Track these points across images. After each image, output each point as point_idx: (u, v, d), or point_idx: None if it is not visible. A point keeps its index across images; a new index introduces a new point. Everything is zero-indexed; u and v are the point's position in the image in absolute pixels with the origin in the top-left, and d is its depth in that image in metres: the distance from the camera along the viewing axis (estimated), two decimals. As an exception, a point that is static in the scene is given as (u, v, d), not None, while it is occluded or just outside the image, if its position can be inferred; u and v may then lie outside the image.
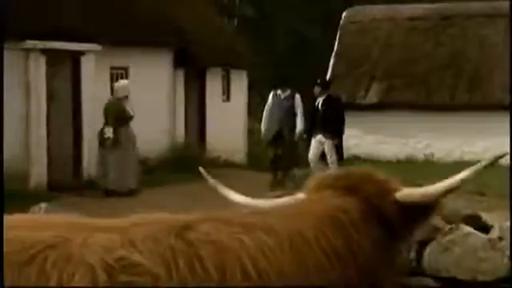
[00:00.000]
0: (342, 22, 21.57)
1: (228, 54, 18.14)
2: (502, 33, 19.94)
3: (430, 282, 4.30)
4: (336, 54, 21.21)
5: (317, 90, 12.81)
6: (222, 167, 15.20)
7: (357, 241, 3.07)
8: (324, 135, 12.43)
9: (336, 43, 21.32)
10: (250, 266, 2.79)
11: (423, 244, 4.35)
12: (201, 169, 3.61)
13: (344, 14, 21.73)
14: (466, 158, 16.41)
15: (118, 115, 11.89)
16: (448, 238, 4.31)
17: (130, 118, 12.11)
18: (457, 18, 20.64)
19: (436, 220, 4.43)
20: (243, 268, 2.77)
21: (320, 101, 12.67)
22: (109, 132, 11.84)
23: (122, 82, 12.53)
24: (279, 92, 13.13)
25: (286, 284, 2.85)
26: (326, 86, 13.19)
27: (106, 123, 11.89)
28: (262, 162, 17.39)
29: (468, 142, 18.24)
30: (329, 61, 21.25)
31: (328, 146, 12.44)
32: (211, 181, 3.50)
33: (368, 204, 3.15)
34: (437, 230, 4.36)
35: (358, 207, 3.14)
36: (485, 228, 4.51)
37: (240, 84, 19.35)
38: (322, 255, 2.96)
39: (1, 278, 2.53)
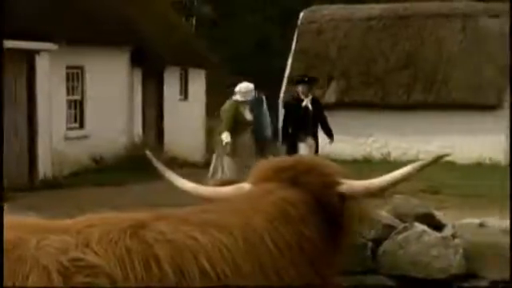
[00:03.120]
0: (299, 21, 21.67)
1: (186, 53, 18.11)
2: (458, 33, 20.22)
3: (384, 280, 4.35)
4: (294, 53, 21.29)
5: (304, 89, 11.68)
6: (180, 167, 15.16)
7: (306, 236, 3.11)
8: (314, 138, 11.62)
9: (294, 43, 21.40)
10: (207, 264, 2.80)
11: (378, 242, 4.39)
12: (149, 155, 3.60)
13: (302, 14, 21.81)
14: (422, 156, 16.59)
15: (233, 121, 10.72)
16: (402, 236, 4.36)
17: (249, 123, 11.01)
18: (413, 18, 20.87)
19: (390, 218, 4.49)
20: (201, 267, 2.78)
21: (307, 101, 11.67)
22: (226, 137, 10.55)
23: (246, 85, 11.15)
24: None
25: (243, 281, 2.87)
26: (312, 84, 12.14)
27: (224, 128, 10.71)
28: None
29: (423, 140, 18.46)
30: (287, 60, 21.32)
31: (314, 148, 11.61)
32: (159, 167, 3.50)
33: (313, 196, 3.18)
34: (391, 228, 4.42)
35: (304, 200, 3.17)
36: (439, 226, 4.57)
37: (198, 83, 19.32)
38: (275, 251, 3.00)
39: (1, 277, 2.52)
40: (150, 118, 17.09)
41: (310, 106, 11.55)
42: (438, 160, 3.29)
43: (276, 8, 28.71)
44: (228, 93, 14.77)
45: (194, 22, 27.90)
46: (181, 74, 18.49)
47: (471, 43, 19.99)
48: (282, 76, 21.13)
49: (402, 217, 4.55)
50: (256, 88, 12.46)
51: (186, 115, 18.23)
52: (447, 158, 16.55)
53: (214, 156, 10.88)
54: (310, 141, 11.52)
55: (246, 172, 3.36)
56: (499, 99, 19.25)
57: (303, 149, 11.43)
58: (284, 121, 11.86)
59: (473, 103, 19.06)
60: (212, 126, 21.03)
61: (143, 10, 17.00)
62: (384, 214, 4.54)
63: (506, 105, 19.39)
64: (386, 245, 4.37)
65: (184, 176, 3.57)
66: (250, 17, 28.40)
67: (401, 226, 4.42)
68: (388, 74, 19.63)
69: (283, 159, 3.54)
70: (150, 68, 16.67)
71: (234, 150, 10.51)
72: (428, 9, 21.00)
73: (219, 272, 2.83)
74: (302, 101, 11.60)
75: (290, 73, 20.85)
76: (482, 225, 4.53)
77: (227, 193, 3.37)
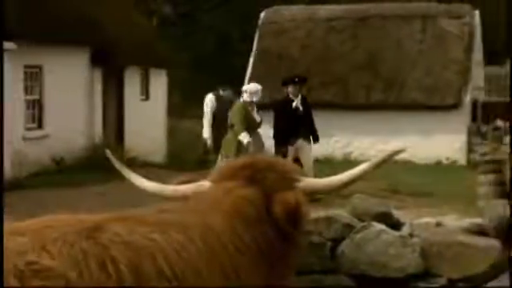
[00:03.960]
0: (260, 22, 21.71)
1: (147, 53, 18.03)
2: (418, 34, 20.44)
3: (343, 279, 4.38)
4: (255, 53, 21.32)
5: (294, 89, 11.30)
6: (141, 167, 15.08)
7: (264, 235, 3.12)
8: (305, 139, 11.20)
9: (255, 43, 21.44)
10: (164, 265, 2.80)
11: (337, 242, 4.42)
12: (109, 155, 3.58)
13: (262, 15, 21.86)
14: (381, 156, 16.75)
15: (245, 121, 10.46)
16: (361, 235, 4.39)
17: (258, 125, 10.69)
18: (373, 19, 21.02)
19: (349, 218, 4.52)
20: (158, 268, 2.78)
21: (298, 102, 11.25)
22: (245, 137, 10.21)
23: (254, 85, 10.92)
24: (222, 93, 11.74)
25: (201, 281, 2.87)
26: (303, 83, 11.66)
27: (241, 128, 10.37)
28: (182, 162, 17.34)
29: (383, 140, 18.60)
30: (249, 60, 21.35)
31: (307, 150, 11.24)
32: (119, 167, 3.49)
33: (271, 194, 3.19)
34: (350, 227, 4.45)
35: (262, 198, 3.17)
36: (397, 225, 4.61)
37: (159, 83, 19.25)
38: (233, 250, 3.00)
39: (0, 277, 2.51)
40: (110, 118, 16.97)
41: (300, 106, 11.21)
42: (391, 157, 3.32)
43: (237, 8, 28.73)
44: (189, 93, 14.77)
45: (155, 21, 27.77)
46: (142, 74, 18.40)
47: (431, 44, 20.21)
48: (244, 76, 21.15)
49: (360, 216, 4.58)
50: (222, 87, 12.29)
51: (147, 115, 18.15)
52: (407, 158, 16.77)
53: (220, 157, 10.58)
54: (300, 143, 11.13)
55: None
56: (458, 99, 19.49)
57: (292, 153, 11.03)
58: (275, 122, 11.26)
59: (432, 103, 19.27)
60: (174, 125, 21.01)
61: (104, 9, 16.88)
62: (343, 214, 4.57)
63: (465, 105, 19.65)
64: (345, 244, 4.40)
65: (145, 176, 3.56)
66: (210, 16, 28.37)
67: (359, 225, 4.45)
68: (349, 75, 19.74)
69: (243, 158, 3.55)
70: (110, 68, 16.55)
71: (242, 152, 10.19)
72: (389, 10, 21.18)
73: (177, 272, 2.83)
74: (292, 101, 11.23)
75: (252, 73, 20.89)
76: (439, 224, 4.59)
77: (187, 191, 3.37)
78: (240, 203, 3.13)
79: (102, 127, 16.35)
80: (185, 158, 18.00)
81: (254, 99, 10.59)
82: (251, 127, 10.48)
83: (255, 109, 10.63)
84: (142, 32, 18.81)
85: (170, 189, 3.44)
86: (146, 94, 18.45)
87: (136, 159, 16.16)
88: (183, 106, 22.95)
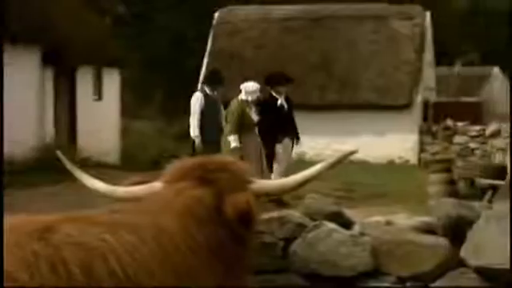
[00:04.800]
0: (214, 22, 21.69)
1: (100, 52, 17.88)
2: (370, 34, 20.64)
3: (295, 278, 4.41)
4: (209, 53, 21.29)
5: (280, 88, 11.19)
6: (94, 167, 14.95)
7: (217, 235, 3.14)
8: (290, 138, 11.20)
9: (209, 43, 21.41)
10: (116, 266, 2.79)
11: (289, 241, 4.45)
12: (60, 155, 3.56)
13: (217, 15, 21.84)
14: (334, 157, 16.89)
15: (241, 121, 10.26)
16: (312, 234, 4.43)
17: (255, 124, 10.53)
18: (326, 19, 21.18)
19: (301, 217, 4.56)
20: (110, 269, 2.78)
21: (282, 100, 11.21)
22: (234, 141, 10.10)
23: (251, 84, 10.68)
24: (209, 91, 11.16)
25: (154, 282, 2.88)
26: (289, 83, 11.51)
27: (232, 130, 10.24)
28: (135, 162, 17.25)
29: (338, 140, 18.76)
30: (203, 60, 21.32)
31: (289, 149, 11.22)
32: (70, 167, 3.47)
33: (222, 195, 3.21)
34: (302, 227, 4.48)
35: (214, 199, 3.20)
36: (348, 225, 4.66)
37: (112, 83, 19.11)
38: (186, 251, 3.01)
39: (1, 278, 2.50)
40: (62, 119, 16.80)
41: (285, 105, 11.18)
42: (344, 158, 3.37)
43: (191, 8, 28.66)
44: (143, 93, 14.66)
45: (108, 21, 27.55)
46: (94, 74, 18.25)
47: (383, 45, 20.44)
48: (198, 76, 21.11)
49: (312, 216, 4.62)
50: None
51: (99, 115, 18.00)
52: (360, 158, 16.94)
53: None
54: (287, 141, 11.13)
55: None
56: (410, 99, 19.75)
57: (281, 151, 11.03)
58: (261, 121, 11.00)
59: (384, 104, 19.50)
60: (127, 126, 20.88)
61: (56, 7, 16.70)
62: (295, 213, 4.61)
63: (416, 105, 19.92)
64: (297, 243, 4.43)
65: (97, 177, 3.55)
66: (164, 16, 28.25)
67: (311, 224, 4.49)
68: (303, 75, 19.87)
69: (195, 158, 3.56)
70: (62, 67, 16.39)
71: (240, 152, 10.04)
72: (341, 10, 21.36)
73: (129, 273, 2.83)
74: (277, 100, 11.15)
75: (206, 73, 20.84)
76: (389, 223, 4.65)
77: (139, 192, 3.37)
78: (192, 204, 3.15)
79: (53, 127, 16.17)
80: (138, 158, 17.91)
81: (250, 98, 10.42)
82: (247, 127, 10.34)
83: (253, 108, 10.48)
84: (94, 31, 18.64)
85: (121, 190, 3.44)
86: (98, 93, 18.30)
87: (89, 160, 16.04)
88: (136, 106, 22.80)
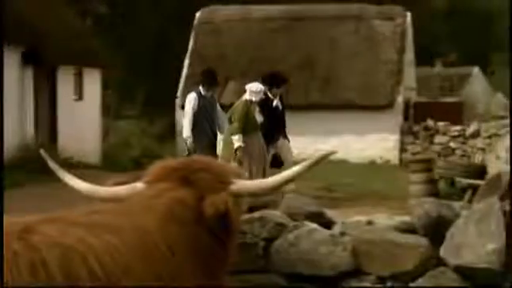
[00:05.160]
0: (195, 22, 21.67)
1: (81, 52, 17.81)
2: (351, 35, 20.69)
3: (276, 278, 4.42)
4: (191, 53, 21.28)
5: (277, 89, 11.10)
6: (75, 168, 14.89)
7: (198, 236, 3.15)
8: (284, 137, 11.19)
9: (190, 43, 21.39)
10: (96, 266, 2.79)
11: (270, 241, 4.46)
12: (43, 155, 3.55)
13: (198, 15, 21.82)
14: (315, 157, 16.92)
15: (247, 120, 10.11)
16: (293, 234, 4.44)
17: (259, 125, 10.41)
18: (308, 19, 21.22)
19: (282, 217, 4.57)
20: (90, 269, 2.77)
21: (277, 101, 11.15)
22: (238, 140, 9.90)
23: (256, 84, 10.52)
24: (204, 91, 10.89)
25: (134, 282, 2.88)
26: (284, 83, 11.42)
27: (236, 130, 10.06)
28: (117, 162, 17.19)
29: (320, 140, 18.81)
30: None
31: (288, 148, 11.19)
32: (54, 167, 3.47)
33: (203, 196, 3.23)
34: (283, 227, 4.49)
35: (195, 199, 3.21)
36: (329, 224, 4.68)
37: (94, 83, 19.04)
38: (167, 252, 3.02)
39: (1, 277, 2.52)
40: (43, 119, 16.72)
41: (280, 105, 11.13)
42: (324, 159, 3.39)
43: (173, 8, 28.61)
44: (125, 93, 14.59)
45: (89, 20, 27.45)
46: (75, 74, 18.17)
47: (364, 45, 20.51)
48: (180, 76, 21.10)
49: (293, 216, 4.63)
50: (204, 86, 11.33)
51: (81, 115, 17.93)
52: (342, 157, 16.98)
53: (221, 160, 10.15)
54: (281, 141, 11.10)
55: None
56: (391, 99, 19.83)
57: (272, 151, 10.96)
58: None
59: (366, 104, 19.56)
60: (109, 126, 20.80)
61: (36, 7, 16.61)
62: (276, 213, 4.62)
63: (397, 105, 20.00)
64: (278, 243, 4.44)
65: (79, 177, 3.54)
66: (147, 16, 28.18)
67: (292, 224, 4.51)
68: (285, 75, 19.89)
69: (177, 159, 3.57)
70: (42, 67, 16.31)
71: (243, 153, 9.99)
72: (323, 11, 21.41)
73: (109, 274, 2.83)
74: (272, 101, 11.05)
75: (187, 73, 20.83)
76: (370, 222, 4.67)
77: (120, 193, 3.38)
78: (172, 205, 3.16)
79: (34, 127, 16.10)
80: (119, 158, 17.86)
81: (255, 99, 10.31)
82: (252, 127, 10.21)
83: (257, 108, 10.40)
84: (75, 31, 18.56)
85: (104, 190, 3.45)
86: (79, 93, 18.22)
87: (70, 160, 15.98)
88: (118, 106, 22.73)
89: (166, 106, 21.71)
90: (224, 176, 3.34)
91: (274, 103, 11.06)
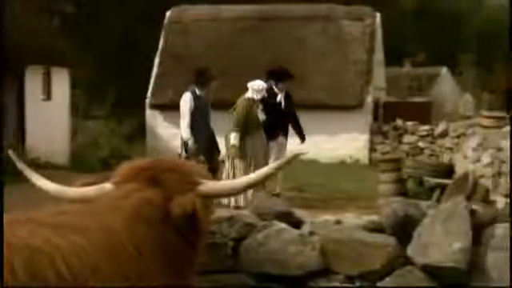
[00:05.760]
0: (165, 21, 21.61)
1: (48, 52, 17.66)
2: (320, 35, 20.76)
3: (244, 278, 4.42)
4: (161, 53, 21.20)
5: (282, 84, 10.99)
6: (43, 168, 14.77)
7: (165, 236, 3.15)
8: (285, 136, 11.04)
9: (160, 43, 21.32)
10: (63, 268, 2.77)
11: (239, 241, 4.46)
12: (11, 155, 3.53)
13: (168, 14, 21.76)
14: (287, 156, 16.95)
15: (249, 119, 10.01)
16: (262, 234, 4.44)
17: (261, 123, 10.24)
18: (277, 19, 21.25)
19: (251, 217, 4.58)
20: (56, 271, 2.75)
21: (281, 97, 11.02)
22: (234, 138, 9.81)
23: (258, 82, 10.38)
24: (198, 90, 10.66)
25: (102, 283, 2.87)
26: (290, 78, 11.13)
27: (235, 128, 9.96)
28: (86, 163, 17.08)
29: (289, 141, 18.83)
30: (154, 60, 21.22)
31: (283, 147, 11.03)
32: (21, 167, 3.44)
33: (171, 197, 3.23)
34: (252, 226, 4.50)
35: (162, 200, 3.21)
36: (298, 224, 4.69)
37: (62, 83, 18.88)
38: (134, 252, 3.01)
39: (1, 278, 2.50)
40: (10, 119, 16.55)
41: (283, 102, 10.92)
42: (293, 160, 3.40)
43: (143, 7, 28.49)
44: (93, 93, 14.48)
45: (57, 20, 27.23)
46: (43, 73, 18.01)
47: (333, 45, 20.59)
48: (149, 75, 21.02)
49: (262, 215, 4.64)
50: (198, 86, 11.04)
51: (49, 115, 17.78)
52: (312, 157, 17.03)
53: (226, 158, 10.20)
54: (281, 139, 10.93)
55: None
56: (360, 99, 19.92)
57: (275, 148, 10.85)
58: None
59: (335, 104, 19.63)
60: (78, 126, 20.65)
61: (3, 7, 16.44)
62: (245, 213, 4.62)
63: (367, 105, 20.10)
64: (247, 243, 4.44)
65: (47, 177, 3.52)
66: (114, 16, 28.02)
67: (260, 224, 4.51)
68: (254, 75, 19.88)
69: (145, 159, 3.56)
70: (9, 67, 16.14)
71: (245, 152, 9.88)
72: (292, 11, 21.46)
73: (76, 274, 2.81)
74: (276, 95, 10.93)
75: (157, 72, 20.77)
76: (338, 222, 4.69)
77: (88, 193, 3.37)
78: (140, 205, 3.16)
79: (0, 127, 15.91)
80: (88, 159, 17.74)
81: (257, 97, 10.19)
82: (254, 125, 10.07)
83: (259, 107, 10.26)
84: (42, 31, 18.40)
85: (72, 190, 3.44)
86: (47, 93, 18.06)
87: (38, 160, 15.84)
88: (87, 106, 22.57)
89: (136, 106, 21.62)
90: (192, 176, 3.34)
91: (278, 98, 10.86)
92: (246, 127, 9.93)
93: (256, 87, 10.22)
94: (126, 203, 3.17)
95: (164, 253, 3.12)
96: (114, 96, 23.00)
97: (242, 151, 9.90)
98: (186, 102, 10.49)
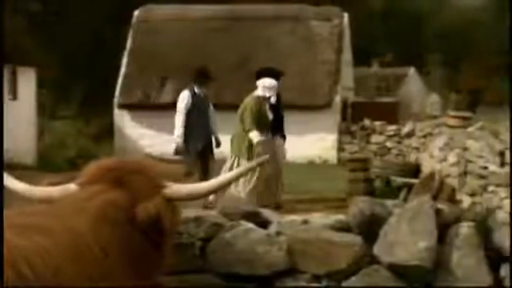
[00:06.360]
0: (133, 20, 21.51)
1: (14, 51, 17.47)
2: (289, 34, 20.80)
3: (212, 278, 4.42)
4: (128, 53, 21.10)
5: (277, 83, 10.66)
6: (9, 168, 14.59)
7: (130, 237, 3.15)
8: (280, 137, 10.77)
9: (128, 42, 21.22)
10: (26, 269, 2.76)
11: (206, 241, 4.46)
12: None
13: (136, 13, 21.66)
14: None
15: (258, 118, 9.82)
16: (230, 234, 4.44)
17: (270, 122, 10.09)
18: (245, 19, 21.26)
19: (218, 217, 4.57)
20: (18, 272, 2.74)
21: (273, 98, 10.65)
22: (256, 136, 9.56)
23: (270, 80, 10.16)
24: (197, 89, 10.53)
25: (65, 283, 2.85)
26: (280, 78, 10.79)
27: (251, 126, 9.71)
28: (53, 163, 16.93)
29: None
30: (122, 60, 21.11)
31: (282, 148, 10.76)
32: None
33: (136, 199, 3.23)
34: (219, 226, 4.49)
35: (127, 202, 3.21)
36: (265, 224, 4.69)
37: (28, 82, 18.70)
38: (98, 253, 3.00)
39: (1, 278, 2.53)
40: (-24, 119, 16.36)
41: (274, 102, 10.66)
42: (257, 166, 3.43)
43: (111, 6, 28.32)
44: (61, 92, 14.36)
45: (22, 19, 26.94)
46: (9, 73, 17.82)
47: (302, 45, 20.65)
48: (117, 75, 20.90)
49: (229, 215, 4.64)
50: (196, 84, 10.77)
51: (15, 115, 17.60)
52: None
53: (230, 157, 9.96)
54: (278, 140, 10.69)
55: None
56: (329, 99, 20.00)
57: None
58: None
59: (304, 104, 19.68)
60: (45, 126, 20.46)
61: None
62: (212, 213, 4.62)
63: (335, 105, 20.19)
64: (214, 243, 4.44)
65: (14, 177, 3.50)
66: (82, 15, 27.82)
67: (228, 224, 4.51)
68: (222, 74, 19.86)
69: (112, 160, 3.55)
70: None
71: (251, 153, 9.61)
72: (261, 11, 21.48)
73: (39, 275, 2.80)
74: (270, 97, 10.52)
75: (125, 72, 20.66)
76: (305, 221, 4.70)
77: (53, 194, 3.35)
78: (105, 206, 3.16)
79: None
80: (55, 159, 17.60)
81: (269, 94, 10.02)
82: (264, 124, 9.87)
83: (267, 105, 10.05)
84: (8, 30, 18.18)
85: (38, 190, 3.42)
86: (13, 93, 17.87)
87: (4, 160, 15.65)
88: (54, 105, 22.37)
89: (104, 106, 21.49)
90: (157, 179, 3.34)
91: (272, 99, 10.62)
92: (256, 126, 9.77)
93: (267, 85, 10.05)
94: (91, 205, 3.17)
95: (129, 254, 3.12)
96: (81, 95, 22.84)
97: (250, 150, 9.70)
98: (184, 99, 10.38)
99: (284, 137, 10.89)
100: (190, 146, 10.31)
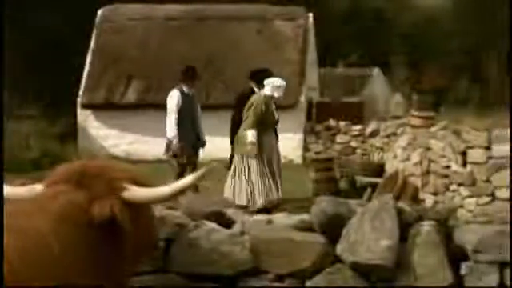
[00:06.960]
0: (97, 20, 21.36)
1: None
2: (253, 34, 20.83)
3: (175, 278, 4.42)
4: (92, 52, 20.95)
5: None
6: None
7: (91, 238, 3.17)
8: (276, 137, 10.51)
9: (92, 41, 21.07)
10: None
11: (169, 241, 4.46)
12: None
13: (100, 12, 21.52)
14: (222, 155, 16.93)
15: (264, 117, 9.57)
16: (192, 234, 4.45)
17: (276, 122, 9.89)
18: (210, 19, 21.23)
19: (182, 217, 4.58)
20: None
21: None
22: (252, 136, 9.37)
23: (278, 79, 9.97)
24: (185, 89, 10.44)
25: (25, 283, 2.85)
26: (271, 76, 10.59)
27: (251, 125, 9.50)
28: (16, 164, 16.76)
29: (220, 141, 18.82)
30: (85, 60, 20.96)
31: (276, 148, 10.46)
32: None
33: (95, 200, 3.27)
34: (183, 227, 4.49)
35: (88, 203, 3.25)
36: (229, 224, 4.71)
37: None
38: (60, 253, 3.02)
39: (1, 278, 2.58)
40: None
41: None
42: (214, 170, 3.46)
43: (74, 5, 28.08)
44: (24, 93, 14.12)
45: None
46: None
47: (267, 45, 20.68)
48: (81, 75, 20.74)
49: (193, 216, 4.64)
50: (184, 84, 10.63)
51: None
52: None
53: (235, 156, 9.77)
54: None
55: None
56: (294, 99, 20.05)
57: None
58: (237, 117, 10.26)
59: (269, 103, 19.66)
60: (7, 126, 20.21)
61: None
62: (175, 213, 4.62)
63: (300, 105, 20.26)
64: (178, 243, 4.44)
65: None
66: (43, 14, 27.53)
67: (191, 224, 4.52)
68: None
69: (78, 162, 3.58)
70: None
71: (262, 150, 9.49)
72: (226, 11, 21.47)
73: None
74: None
75: (88, 72, 20.52)
76: (269, 221, 4.72)
77: (19, 194, 3.39)
78: (66, 207, 3.19)
79: None
80: (18, 159, 17.41)
81: (277, 94, 9.82)
82: (269, 123, 9.70)
83: (274, 105, 9.86)
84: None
85: (6, 190, 3.45)
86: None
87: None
88: (16, 106, 22.11)
89: (67, 106, 21.31)
90: (116, 181, 3.37)
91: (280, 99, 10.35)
92: (263, 125, 9.54)
93: (277, 83, 9.86)
94: (53, 205, 3.21)
95: (88, 254, 3.17)
96: (43, 96, 22.62)
97: (258, 149, 9.52)
98: (173, 98, 10.27)
99: (277, 136, 10.69)
100: (182, 146, 10.24)
